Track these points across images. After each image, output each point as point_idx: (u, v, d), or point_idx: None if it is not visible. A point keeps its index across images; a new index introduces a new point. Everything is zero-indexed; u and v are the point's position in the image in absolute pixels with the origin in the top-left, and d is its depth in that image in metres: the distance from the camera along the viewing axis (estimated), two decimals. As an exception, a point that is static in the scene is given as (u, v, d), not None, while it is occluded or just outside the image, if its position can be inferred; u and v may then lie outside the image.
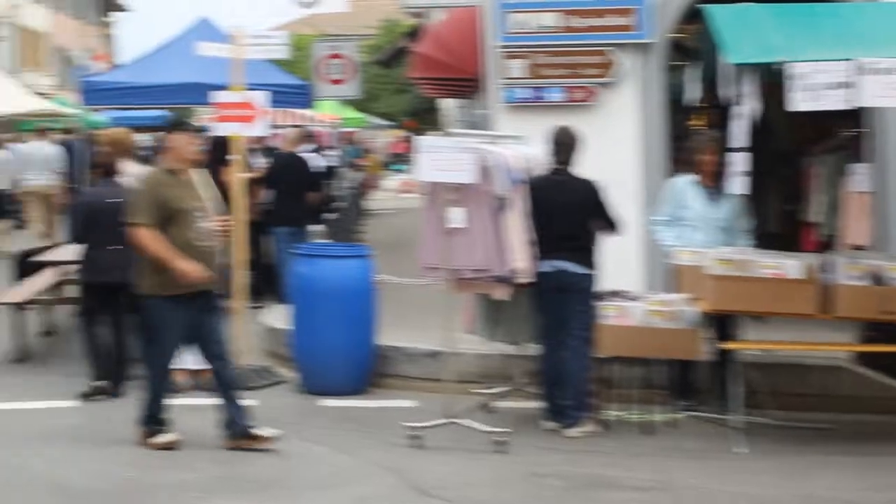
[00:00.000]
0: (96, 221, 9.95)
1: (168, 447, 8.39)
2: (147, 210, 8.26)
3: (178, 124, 8.76)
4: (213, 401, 8.55)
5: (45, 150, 22.04)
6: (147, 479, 7.79)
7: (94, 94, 16.56)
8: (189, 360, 9.50)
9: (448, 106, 14.50)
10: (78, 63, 53.69)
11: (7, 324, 11.40)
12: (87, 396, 9.85)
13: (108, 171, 10.38)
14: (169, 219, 8.24)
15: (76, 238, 10.35)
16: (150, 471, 7.95)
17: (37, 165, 21.25)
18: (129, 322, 10.08)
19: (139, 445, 8.42)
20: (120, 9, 69.62)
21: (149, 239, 8.25)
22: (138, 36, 53.52)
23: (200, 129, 9.80)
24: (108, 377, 10.00)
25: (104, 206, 9.91)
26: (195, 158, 8.59)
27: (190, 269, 8.16)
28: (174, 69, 16.17)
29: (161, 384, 8.55)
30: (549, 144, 9.26)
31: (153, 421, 8.53)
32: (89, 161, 19.05)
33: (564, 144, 9.22)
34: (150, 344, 8.54)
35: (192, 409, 9.20)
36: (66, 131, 30.75)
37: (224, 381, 8.50)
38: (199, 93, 15.71)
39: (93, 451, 8.40)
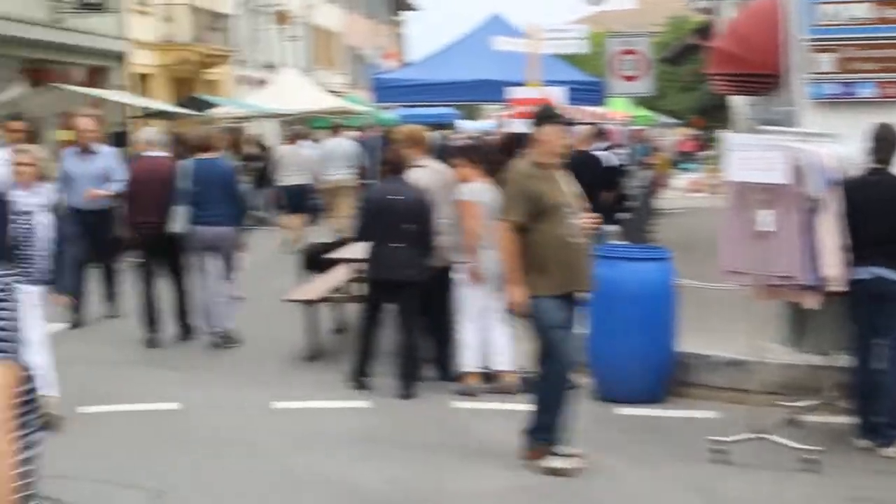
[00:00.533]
0: (380, 218, 9.93)
1: (559, 473, 7.73)
2: (517, 205, 7.77)
3: (548, 117, 8.03)
4: (513, 405, 8.28)
5: (344, 146, 22.61)
6: (440, 485, 7.61)
7: (386, 91, 16.71)
8: (489, 360, 9.28)
9: (739, 103, 13.88)
10: (369, 61, 55.07)
11: (301, 321, 11.49)
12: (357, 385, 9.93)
13: (396, 168, 10.30)
14: (540, 214, 7.75)
15: (361, 235, 10.30)
16: (444, 477, 7.76)
17: (337, 161, 21.75)
18: (418, 322, 10.01)
19: (522, 459, 7.91)
20: (410, 8, 71.00)
21: (506, 242, 7.83)
22: (427, 34, 54.28)
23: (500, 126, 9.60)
24: (398, 376, 9.94)
25: (388, 203, 9.91)
26: (563, 153, 8.13)
27: (517, 295, 7.74)
28: (465, 66, 16.12)
29: (555, 393, 7.81)
30: (869, 142, 8.59)
31: (543, 436, 7.87)
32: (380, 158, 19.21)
33: (886, 141, 8.55)
34: (544, 348, 7.85)
35: (490, 413, 8.98)
36: (359, 128, 31.48)
37: (565, 388, 7.86)
38: (490, 90, 15.64)
39: (387, 453, 8.29)
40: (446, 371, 10.28)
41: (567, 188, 7.97)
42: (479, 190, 9.87)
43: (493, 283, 9.57)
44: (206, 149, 12.06)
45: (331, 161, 21.81)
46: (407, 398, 9.80)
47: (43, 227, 8.75)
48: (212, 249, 11.81)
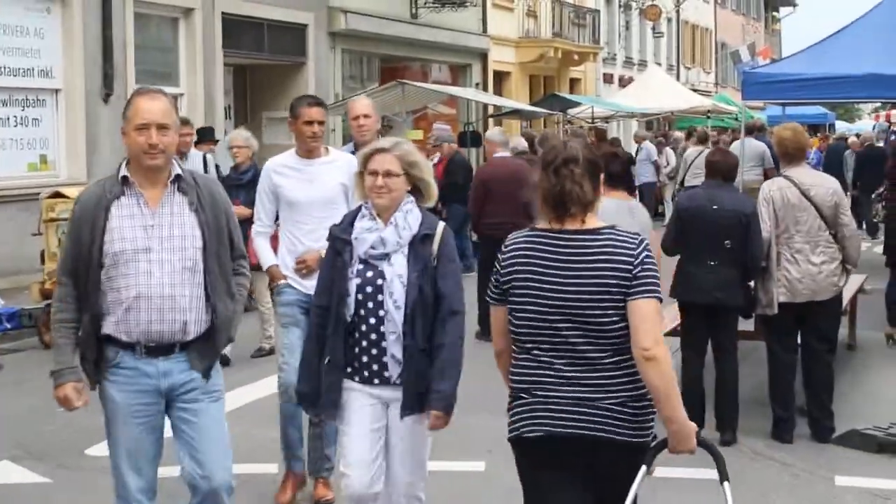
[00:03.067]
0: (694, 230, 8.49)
1: None
2: None
3: None
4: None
5: (752, 145, 21.27)
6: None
7: (755, 87, 14.86)
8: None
9: None
10: (741, 59, 52.37)
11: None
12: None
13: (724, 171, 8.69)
14: None
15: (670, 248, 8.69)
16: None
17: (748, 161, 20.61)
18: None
19: None
20: (787, 3, 67.79)
21: None
22: (804, 33, 51.17)
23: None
24: None
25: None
26: None
27: None
28: (852, 58, 14.03)
29: None
30: None
31: None
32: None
33: None
34: None
35: None
36: (731, 130, 29.66)
37: None
38: (880, 85, 13.55)
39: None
40: (822, 429, 8.38)
41: None
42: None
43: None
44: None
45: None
46: (728, 444, 7.99)
47: None
48: None
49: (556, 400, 4.25)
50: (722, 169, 8.39)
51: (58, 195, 11.85)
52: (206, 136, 14.62)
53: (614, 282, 4.20)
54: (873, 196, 15.56)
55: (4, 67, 15.59)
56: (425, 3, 26.23)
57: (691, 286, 8.21)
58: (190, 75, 19.05)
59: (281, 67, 22.27)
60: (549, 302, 4.26)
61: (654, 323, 4.18)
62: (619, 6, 42.56)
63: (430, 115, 28.99)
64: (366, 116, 7.37)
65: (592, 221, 4.32)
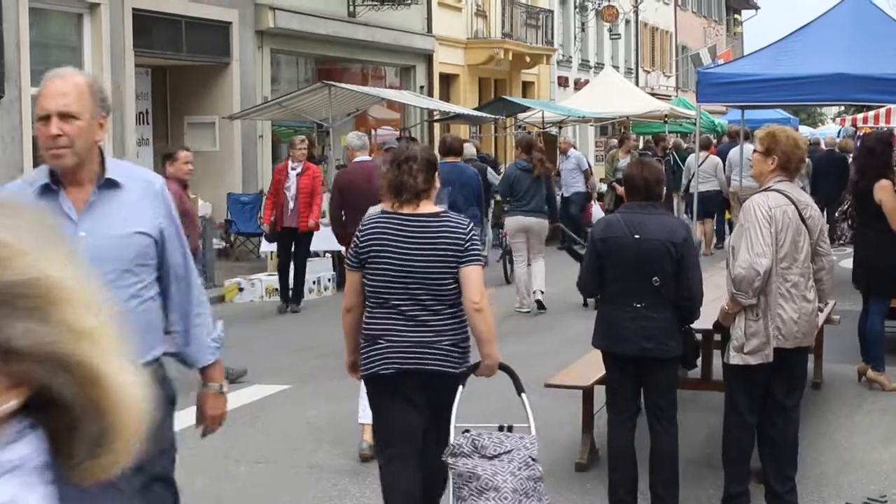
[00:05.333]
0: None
1: None
2: None
3: None
4: None
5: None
6: None
7: (710, 88, 13.51)
8: None
9: None
10: (700, 63, 51.22)
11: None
12: None
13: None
14: None
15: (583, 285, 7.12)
16: None
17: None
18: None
19: None
20: (749, 6, 66.75)
21: None
22: (767, 36, 50.00)
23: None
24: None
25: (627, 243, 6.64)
26: None
27: None
28: (812, 58, 12.63)
29: None
30: None
31: None
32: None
33: None
34: None
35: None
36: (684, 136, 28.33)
37: None
38: (844, 87, 12.16)
39: None
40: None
41: None
42: None
43: None
44: (452, 153, 12.53)
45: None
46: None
47: None
48: None
49: (403, 343, 5.48)
50: (640, 186, 6.55)
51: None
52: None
53: (451, 253, 5.47)
54: (837, 214, 14.29)
55: None
56: (363, 1, 24.74)
57: (613, 334, 6.53)
58: (96, 77, 17.40)
59: (203, 68, 20.69)
60: (401, 267, 5.48)
61: (479, 282, 5.47)
62: (575, 7, 41.18)
63: (371, 120, 27.59)
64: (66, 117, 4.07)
65: (429, 207, 5.59)
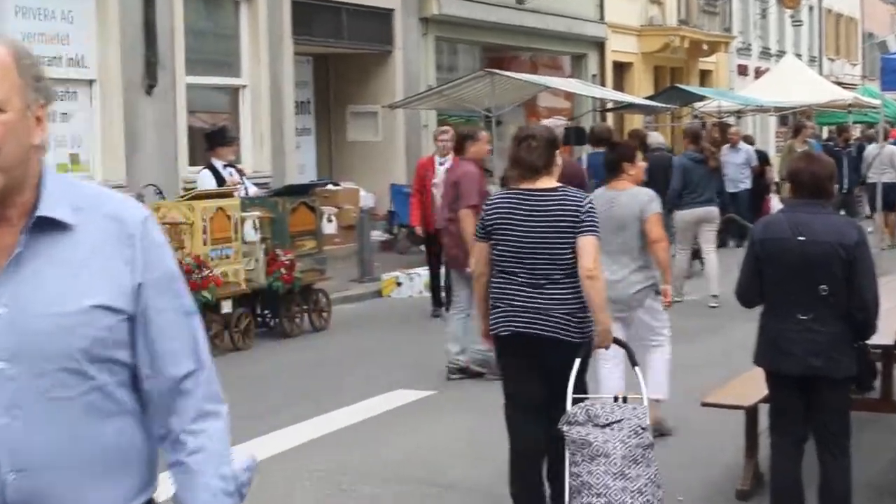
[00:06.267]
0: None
1: None
2: None
3: None
4: None
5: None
6: None
7: (893, 75, 12.42)
8: None
9: None
10: (888, 50, 49.01)
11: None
12: None
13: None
14: None
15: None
16: None
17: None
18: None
19: None
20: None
21: None
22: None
23: None
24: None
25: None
26: None
27: None
28: None
29: None
30: None
31: None
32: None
33: None
34: None
35: None
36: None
37: None
38: None
39: None
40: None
41: None
42: None
43: None
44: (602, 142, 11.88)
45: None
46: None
47: None
48: None
49: (520, 308, 5.91)
50: (806, 182, 5.75)
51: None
52: (217, 141, 12.62)
53: (568, 225, 5.87)
54: None
55: (26, 55, 13.77)
56: (532, -11, 24.03)
57: (775, 350, 5.72)
58: (254, 66, 17.10)
59: (365, 56, 20.25)
60: (521, 238, 5.93)
61: (593, 252, 5.85)
62: (755, -7, 39.77)
63: (542, 110, 26.87)
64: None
65: (548, 182, 6.00)
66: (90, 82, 14.46)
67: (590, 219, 5.86)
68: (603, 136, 12.65)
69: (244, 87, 17.06)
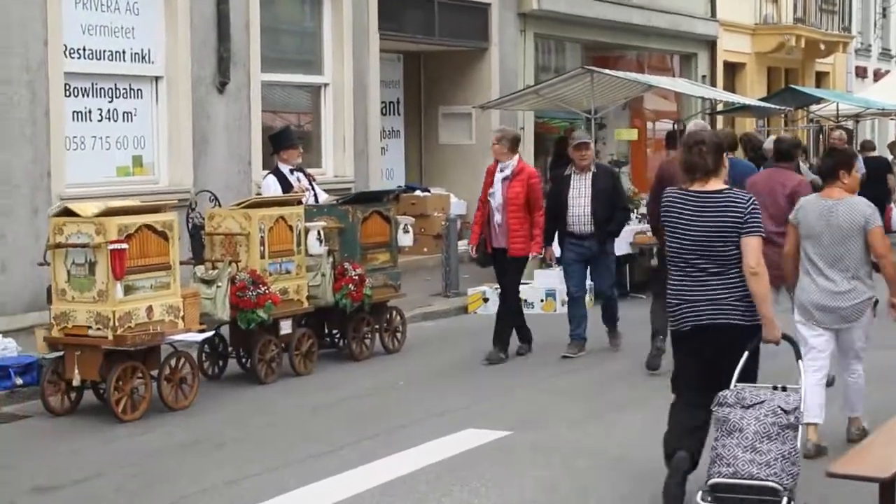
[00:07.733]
0: None
1: None
2: None
3: None
4: None
5: None
6: None
7: None
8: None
9: None
10: None
11: None
12: None
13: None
14: None
15: None
16: None
17: None
18: None
19: None
20: None
21: None
22: None
23: None
24: None
25: None
26: None
27: None
28: None
29: None
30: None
31: None
32: None
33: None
34: None
35: None
36: None
37: None
38: None
39: None
40: None
41: None
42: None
43: None
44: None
45: None
46: None
47: None
48: None
49: (695, 302, 6.50)
50: None
51: (68, 212, 8.86)
52: (282, 143, 11.65)
53: (732, 225, 6.43)
54: None
55: (86, 49, 12.84)
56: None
57: None
58: (336, 63, 16.08)
59: (458, 54, 19.12)
60: (688, 236, 6.53)
61: (756, 251, 6.39)
62: (877, -9, 37.95)
63: (649, 112, 25.58)
64: None
65: (716, 184, 6.53)
66: (156, 79, 13.59)
67: (753, 220, 6.39)
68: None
69: (326, 85, 16.07)
